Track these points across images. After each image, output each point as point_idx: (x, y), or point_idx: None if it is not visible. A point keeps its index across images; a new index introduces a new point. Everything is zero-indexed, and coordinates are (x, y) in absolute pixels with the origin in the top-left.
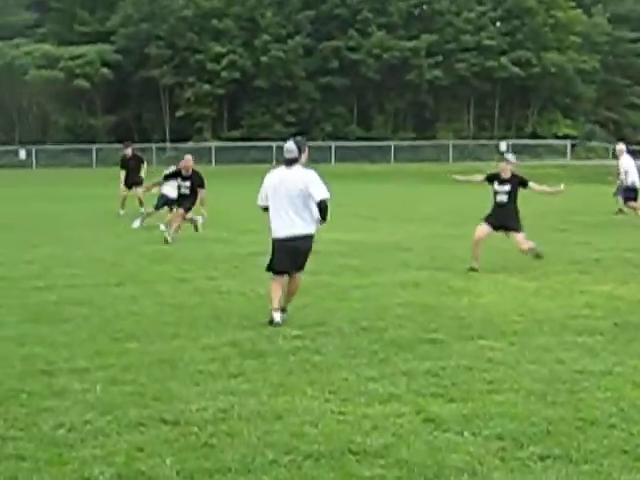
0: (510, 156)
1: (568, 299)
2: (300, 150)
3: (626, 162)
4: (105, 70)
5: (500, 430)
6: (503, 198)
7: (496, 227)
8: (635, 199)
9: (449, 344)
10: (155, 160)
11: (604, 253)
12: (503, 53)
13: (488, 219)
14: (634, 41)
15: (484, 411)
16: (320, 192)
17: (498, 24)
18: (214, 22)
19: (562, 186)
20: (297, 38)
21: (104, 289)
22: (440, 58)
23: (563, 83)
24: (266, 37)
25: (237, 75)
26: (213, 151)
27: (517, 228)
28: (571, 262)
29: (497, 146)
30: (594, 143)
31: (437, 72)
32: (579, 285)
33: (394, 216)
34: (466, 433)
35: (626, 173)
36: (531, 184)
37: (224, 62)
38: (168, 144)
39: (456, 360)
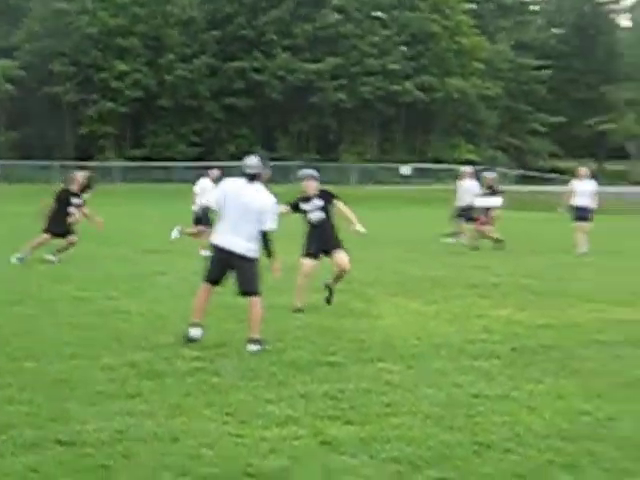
0: (309, 171)
1: (466, 323)
2: (264, 166)
3: (468, 184)
4: (8, 86)
5: (397, 453)
6: (318, 215)
7: (317, 255)
8: (472, 219)
9: (348, 367)
10: (59, 178)
11: (503, 278)
12: (407, 77)
13: (309, 251)
14: (537, 68)
15: (381, 434)
16: (270, 222)
17: (403, 48)
18: (119, 40)
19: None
20: (202, 58)
21: (3, 308)
22: (345, 81)
23: (466, 109)
24: (171, 56)
25: (141, 94)
26: (116, 170)
27: (339, 245)
28: (470, 286)
29: (398, 169)
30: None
31: (341, 95)
32: (477, 309)
33: (293, 237)
34: (363, 456)
35: (465, 193)
36: (337, 201)
37: (128, 80)
38: (71, 162)
39: (354, 383)
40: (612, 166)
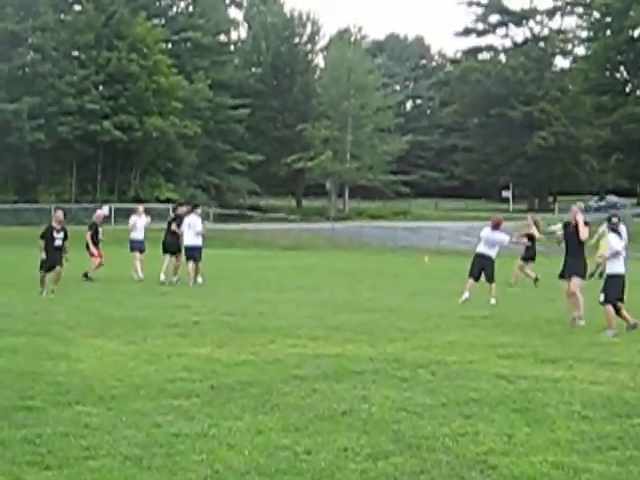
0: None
1: (166, 362)
2: None
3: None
4: None
5: None
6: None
7: None
8: None
9: (46, 411)
10: None
11: (203, 316)
12: (106, 117)
13: None
14: (235, 107)
15: (80, 478)
16: None
17: (101, 88)
18: None
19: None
20: None
21: None
22: (42, 121)
23: (165, 147)
24: None
25: None
26: None
27: None
28: (170, 325)
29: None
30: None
31: (39, 135)
32: (177, 348)
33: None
34: None
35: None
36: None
37: None
38: None
39: (52, 427)
40: (310, 203)
